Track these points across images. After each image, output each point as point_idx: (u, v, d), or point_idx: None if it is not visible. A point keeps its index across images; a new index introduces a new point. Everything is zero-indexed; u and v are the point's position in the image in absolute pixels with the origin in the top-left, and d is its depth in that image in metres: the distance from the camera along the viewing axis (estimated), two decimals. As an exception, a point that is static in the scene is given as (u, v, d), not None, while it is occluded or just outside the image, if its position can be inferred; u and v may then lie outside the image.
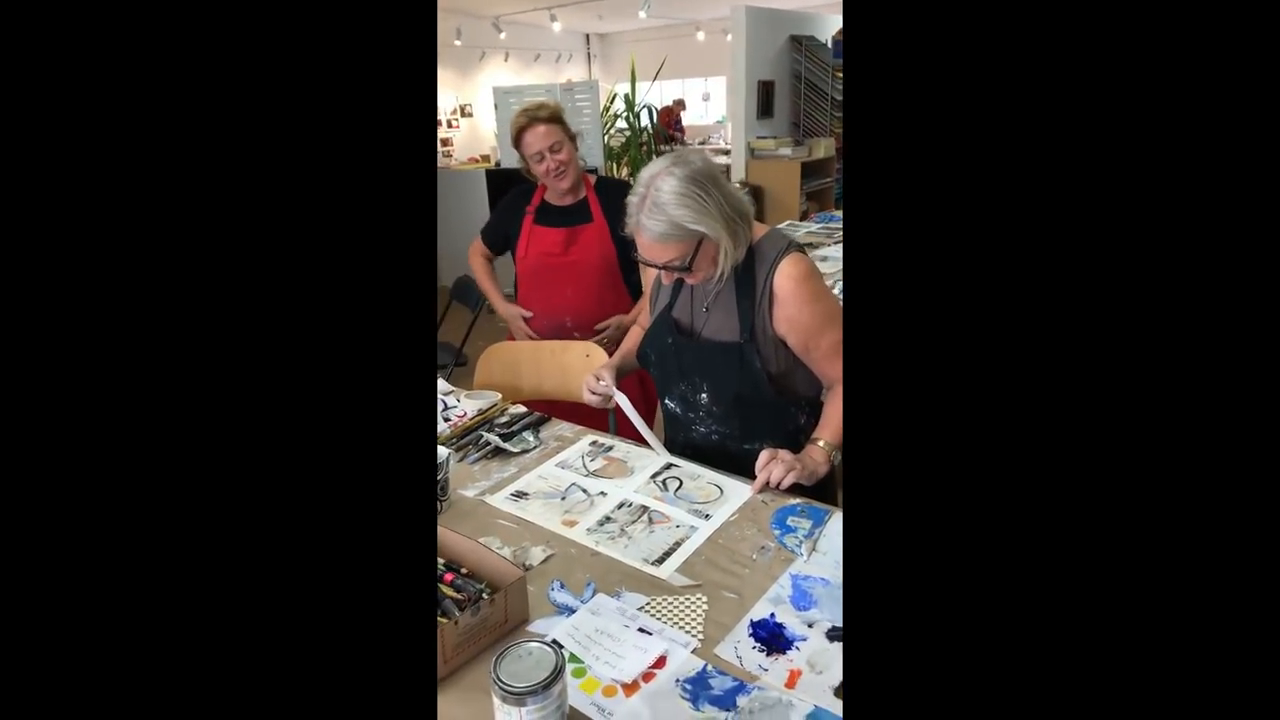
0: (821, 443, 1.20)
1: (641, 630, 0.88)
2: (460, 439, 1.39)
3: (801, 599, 0.92)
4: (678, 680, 0.80)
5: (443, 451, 1.15)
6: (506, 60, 8.90)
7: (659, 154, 6.31)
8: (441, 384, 1.60)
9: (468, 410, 1.49)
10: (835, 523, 1.08)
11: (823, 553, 1.02)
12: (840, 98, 5.78)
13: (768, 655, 0.84)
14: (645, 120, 6.44)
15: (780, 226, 3.32)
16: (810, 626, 0.88)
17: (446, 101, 8.42)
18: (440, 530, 0.97)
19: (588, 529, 1.11)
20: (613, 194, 1.87)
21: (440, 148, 7.89)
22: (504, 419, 1.46)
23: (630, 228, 1.18)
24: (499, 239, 1.98)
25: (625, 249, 1.88)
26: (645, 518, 1.13)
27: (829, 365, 1.23)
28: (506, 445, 1.35)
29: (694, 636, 0.87)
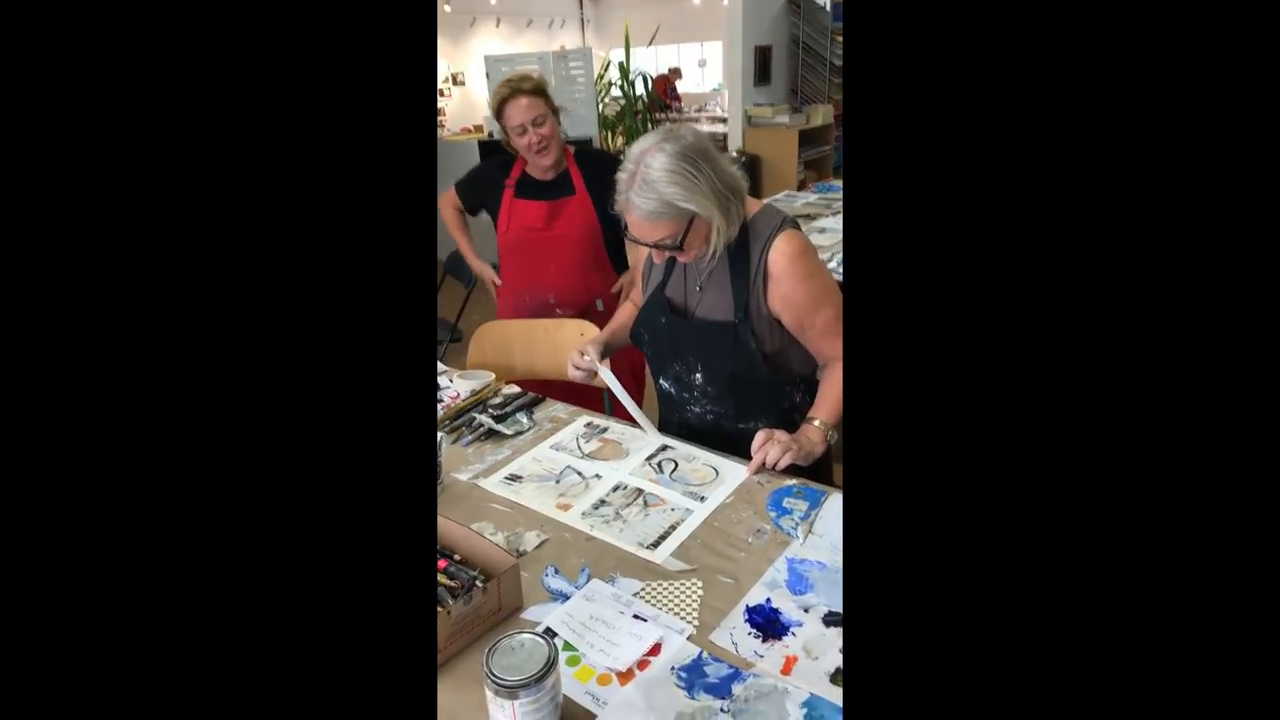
0: (817, 422, 1.18)
1: (636, 617, 0.87)
2: (453, 421, 1.37)
3: (797, 583, 0.92)
4: (673, 668, 0.80)
5: (434, 436, 1.14)
6: (498, 26, 8.72)
7: (655, 123, 6.21)
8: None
9: (460, 391, 1.47)
10: (831, 504, 1.07)
11: (819, 535, 1.01)
12: (839, 63, 5.67)
13: (763, 641, 0.83)
14: (640, 88, 6.32)
15: (778, 197, 3.29)
16: (806, 611, 0.87)
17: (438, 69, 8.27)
18: (432, 518, 0.96)
19: (582, 512, 1.10)
20: (594, 165, 1.82)
21: (432, 118, 7.75)
22: (497, 400, 1.45)
23: (619, 205, 1.15)
24: (473, 201, 1.93)
25: (609, 222, 1.84)
26: (640, 501, 1.12)
27: (824, 343, 1.22)
28: (500, 427, 1.34)
29: (689, 623, 0.86)
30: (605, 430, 1.34)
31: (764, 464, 1.14)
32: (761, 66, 5.46)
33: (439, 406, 1.42)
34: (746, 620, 0.86)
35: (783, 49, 5.72)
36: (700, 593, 0.92)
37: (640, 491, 1.14)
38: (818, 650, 0.81)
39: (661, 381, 1.36)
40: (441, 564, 0.93)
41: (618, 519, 1.08)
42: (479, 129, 6.04)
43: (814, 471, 1.19)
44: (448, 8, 7.66)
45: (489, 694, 0.71)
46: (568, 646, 0.84)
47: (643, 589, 0.93)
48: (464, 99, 8.51)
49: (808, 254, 1.19)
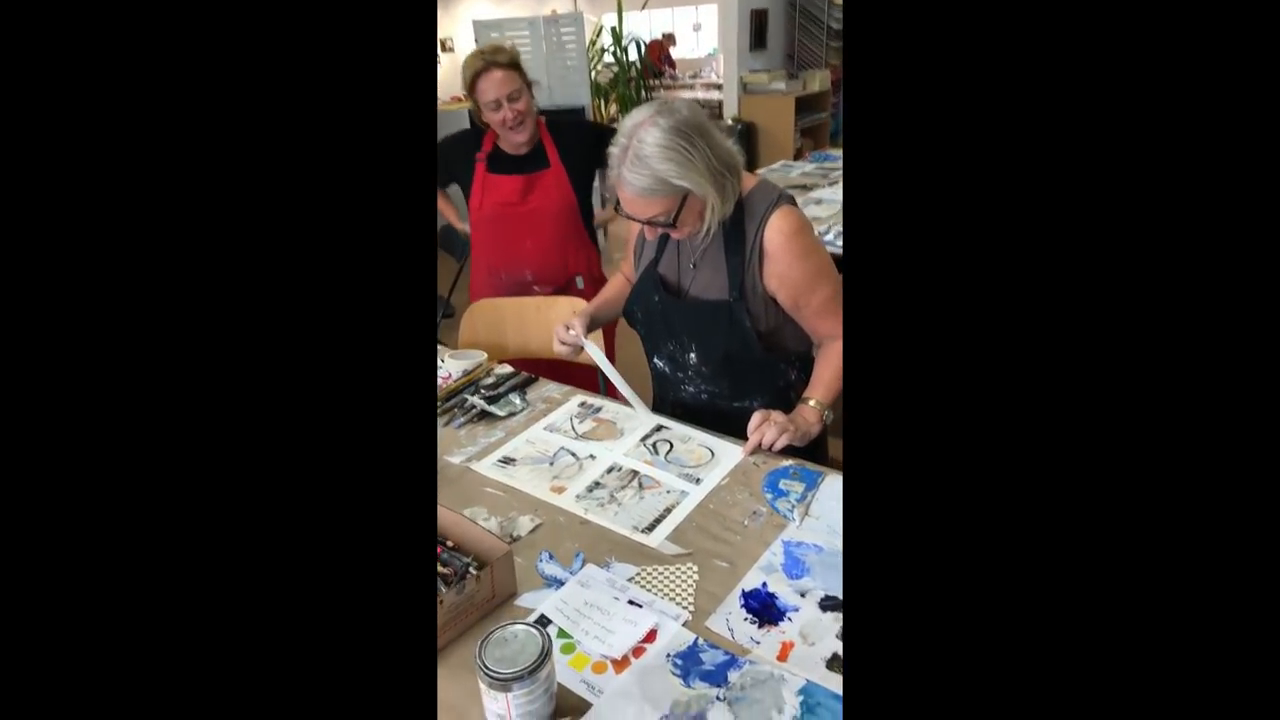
0: (813, 402, 1.17)
1: (631, 603, 0.87)
2: (444, 402, 1.36)
3: (794, 567, 0.91)
4: (668, 655, 0.79)
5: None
6: (487, -10, 8.50)
7: (648, 90, 6.09)
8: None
9: (452, 371, 1.45)
10: (828, 486, 1.06)
11: (815, 518, 1.00)
12: (837, 26, 5.55)
13: (759, 627, 0.82)
14: (633, 54, 6.20)
15: (774, 167, 3.24)
16: (803, 596, 0.86)
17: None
18: (424, 504, 0.95)
19: (576, 495, 1.09)
20: (568, 136, 1.77)
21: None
22: (489, 380, 1.43)
23: (611, 180, 1.12)
24: (442, 174, 1.87)
25: (586, 195, 1.80)
26: (635, 483, 1.11)
27: (820, 322, 1.20)
28: (493, 409, 1.32)
29: (684, 609, 0.86)
30: (599, 410, 1.32)
31: (760, 445, 1.13)
32: (757, 31, 5.35)
33: (431, 387, 1.40)
34: (742, 605, 0.86)
35: (779, 12, 5.60)
36: (696, 577, 0.91)
37: (635, 473, 1.13)
38: (814, 636, 0.81)
39: (656, 361, 1.34)
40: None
41: (612, 502, 1.07)
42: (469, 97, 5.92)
43: (809, 452, 1.18)
44: (435, -29, 7.45)
45: (482, 686, 0.70)
46: (562, 634, 0.83)
47: (638, 574, 0.92)
48: (453, 66, 8.28)
49: (804, 231, 1.16)
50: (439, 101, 6.68)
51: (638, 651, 0.80)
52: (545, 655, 0.70)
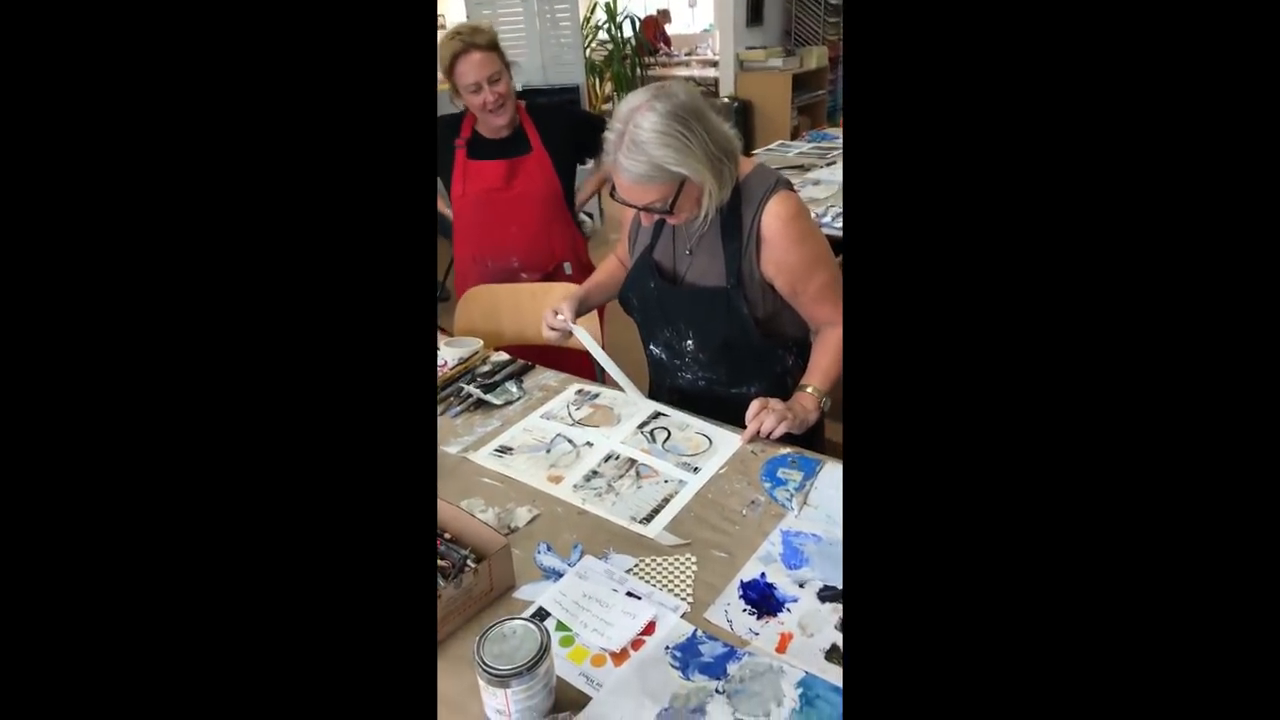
0: (811, 389, 1.16)
1: (630, 594, 0.86)
2: (441, 391, 1.35)
3: (793, 557, 0.91)
4: (667, 647, 0.79)
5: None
6: (479, -35, 8.34)
7: (643, 68, 6.01)
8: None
9: (448, 359, 1.44)
10: (826, 474, 1.06)
11: (814, 506, 1.00)
12: (835, 1, 5.47)
13: (758, 618, 0.82)
14: (628, 31, 6.11)
15: (771, 147, 3.21)
16: (801, 587, 0.86)
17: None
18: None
19: (574, 485, 1.08)
20: (549, 119, 1.74)
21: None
22: (485, 368, 1.42)
23: (607, 167, 1.10)
24: None
25: (569, 179, 1.78)
26: (633, 472, 1.10)
27: (817, 308, 1.19)
28: (489, 397, 1.31)
29: (683, 600, 0.86)
30: (596, 396, 1.32)
31: (758, 433, 1.12)
32: (754, 6, 5.27)
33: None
34: (741, 596, 0.86)
35: (776, -14, 5.51)
36: (694, 568, 0.91)
37: (633, 462, 1.12)
38: (813, 627, 0.81)
39: (652, 347, 1.33)
40: (432, 543, 0.91)
41: (610, 491, 1.06)
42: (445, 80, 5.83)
43: (807, 439, 1.17)
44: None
45: (481, 682, 0.70)
46: (561, 627, 0.83)
47: (636, 565, 0.92)
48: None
49: (801, 216, 1.15)
50: (431, 80, 6.59)
51: (636, 644, 0.80)
52: (544, 651, 0.70)
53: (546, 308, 1.37)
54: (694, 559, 0.92)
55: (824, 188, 2.47)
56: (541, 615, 0.84)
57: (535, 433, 1.22)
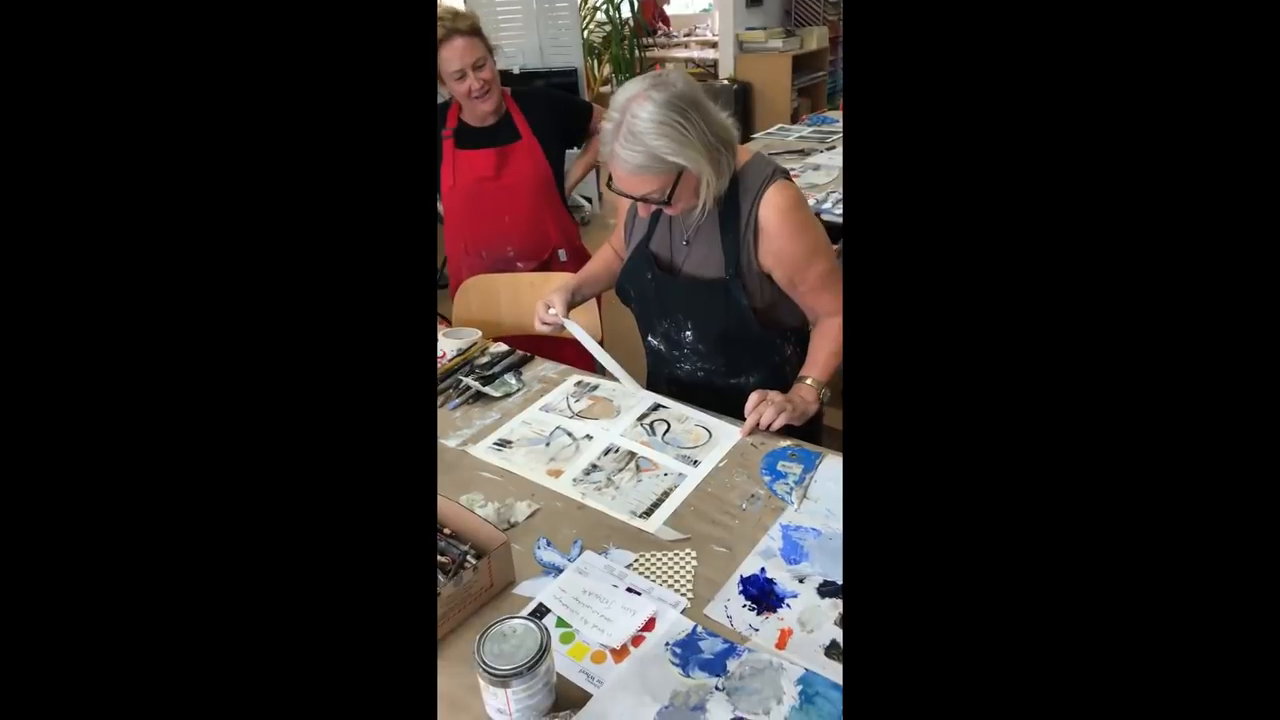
0: (810, 381, 1.16)
1: (630, 590, 0.86)
2: (439, 383, 1.34)
3: (792, 551, 0.91)
4: (667, 644, 0.79)
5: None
6: (475, -55, 8.23)
7: (642, 49, 5.94)
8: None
9: (447, 351, 1.43)
10: (826, 467, 1.05)
11: (814, 500, 0.99)
12: (835, -20, 5.39)
13: (758, 614, 0.82)
14: (626, 11, 6.03)
15: (770, 131, 3.17)
16: (801, 582, 0.86)
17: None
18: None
19: (573, 479, 1.08)
20: (537, 105, 1.71)
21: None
22: (484, 359, 1.41)
23: (604, 156, 1.08)
24: None
25: (559, 165, 1.76)
26: (633, 465, 1.10)
27: (815, 298, 1.18)
28: (488, 390, 1.30)
29: (683, 595, 0.86)
30: (596, 388, 1.31)
31: (758, 425, 1.12)
32: (753, -15, 5.19)
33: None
34: (741, 592, 0.85)
35: (776, -35, 5.43)
36: (694, 563, 0.91)
37: (632, 455, 1.12)
38: (813, 623, 0.81)
39: (650, 339, 1.33)
40: (431, 539, 0.91)
41: (609, 485, 1.06)
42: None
43: (807, 431, 1.17)
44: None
45: (482, 681, 0.70)
46: (561, 623, 0.83)
47: (636, 560, 0.92)
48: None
49: (799, 207, 1.14)
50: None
51: (637, 640, 0.80)
52: (544, 650, 0.70)
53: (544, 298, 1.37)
54: (694, 554, 0.92)
55: (824, 173, 2.44)
56: (541, 612, 0.85)
57: (535, 425, 1.22)
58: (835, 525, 0.94)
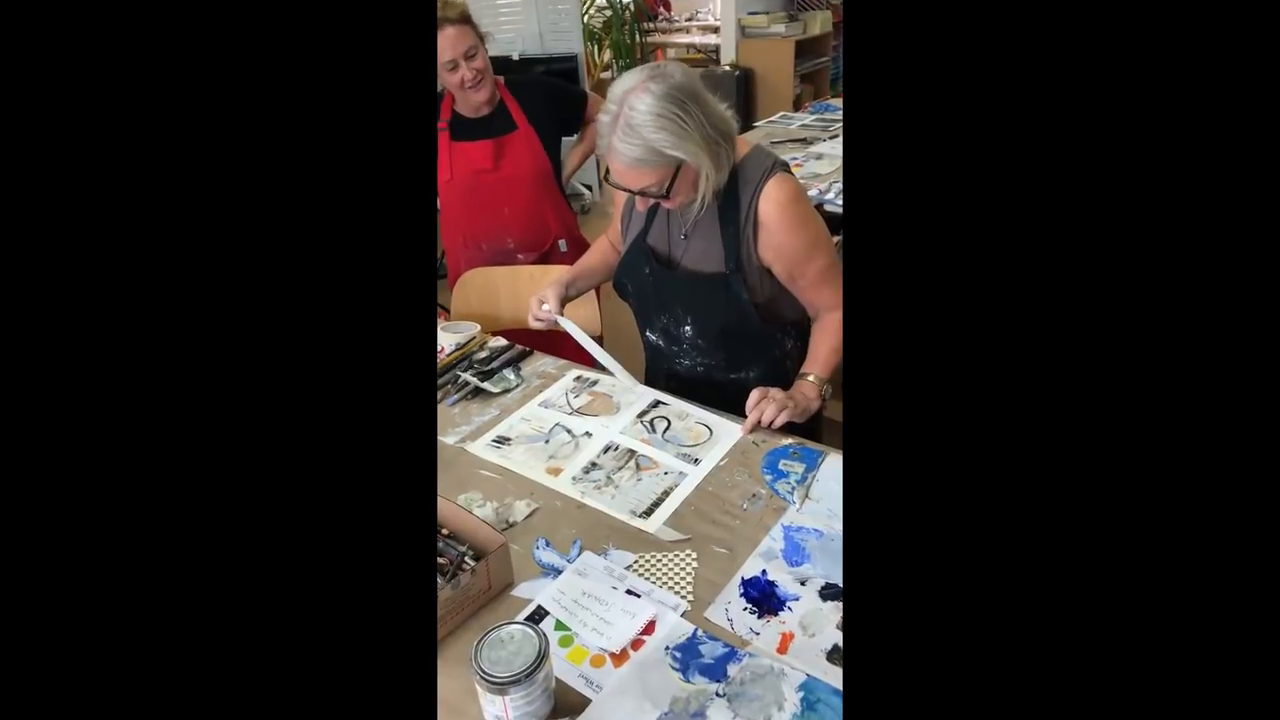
0: (811, 377, 1.14)
1: (630, 592, 0.85)
2: (439, 378, 1.33)
3: (794, 553, 0.90)
4: (667, 648, 0.78)
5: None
6: (473, -71, 8.13)
7: (643, 34, 5.88)
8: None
9: (445, 345, 1.42)
10: (828, 467, 1.04)
11: (815, 500, 0.98)
12: (839, -37, 5.32)
13: (759, 617, 0.81)
14: (627, -4, 5.95)
15: (773, 119, 3.14)
16: (803, 584, 0.85)
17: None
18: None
19: (573, 477, 1.07)
20: (531, 94, 1.69)
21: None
22: (483, 354, 1.40)
23: (601, 150, 1.06)
24: None
25: (556, 155, 1.74)
26: (633, 463, 1.09)
27: (816, 293, 1.16)
28: (486, 385, 1.29)
29: (683, 598, 0.85)
30: (595, 383, 1.30)
31: (759, 422, 1.11)
32: (756, -31, 5.12)
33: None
34: (742, 594, 0.85)
35: (779, -52, 5.35)
36: (695, 564, 0.90)
37: (632, 453, 1.11)
38: (814, 626, 0.80)
39: (648, 334, 1.31)
40: (429, 541, 0.90)
41: (609, 484, 1.05)
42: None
43: (809, 428, 1.16)
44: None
45: (480, 688, 0.69)
46: (560, 626, 0.82)
47: (636, 561, 0.91)
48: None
49: (799, 200, 1.12)
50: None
51: (636, 644, 0.79)
52: (542, 657, 0.69)
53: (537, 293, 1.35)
54: (694, 555, 0.91)
55: (827, 162, 2.42)
56: (540, 614, 0.84)
57: (534, 422, 1.21)
58: (837, 526, 0.93)
